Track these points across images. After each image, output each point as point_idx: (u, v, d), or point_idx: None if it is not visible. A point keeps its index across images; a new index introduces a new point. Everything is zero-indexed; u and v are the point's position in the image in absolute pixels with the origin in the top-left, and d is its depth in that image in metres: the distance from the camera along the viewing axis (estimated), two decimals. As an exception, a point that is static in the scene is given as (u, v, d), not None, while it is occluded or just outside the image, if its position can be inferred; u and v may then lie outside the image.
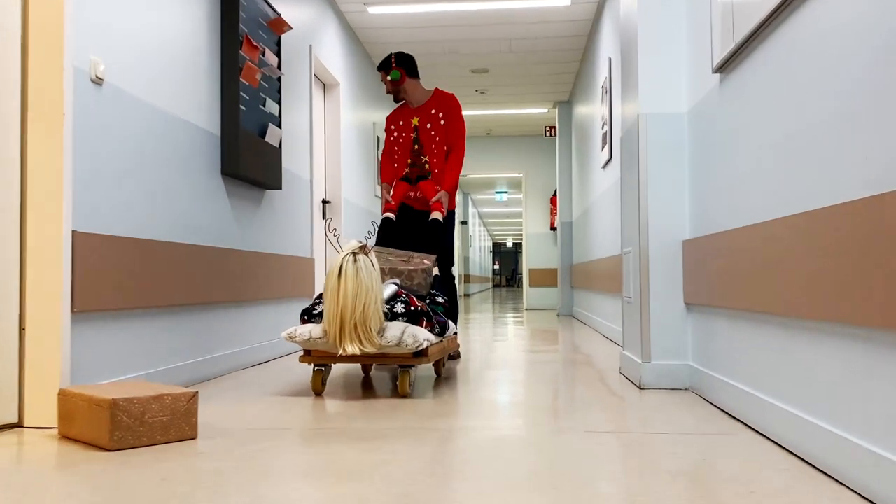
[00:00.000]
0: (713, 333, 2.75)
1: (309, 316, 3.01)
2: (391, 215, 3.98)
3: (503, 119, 10.32)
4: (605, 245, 5.95)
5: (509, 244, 48.36)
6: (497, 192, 20.46)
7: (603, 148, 5.89)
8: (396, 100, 3.96)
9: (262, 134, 4.03)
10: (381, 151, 4.40)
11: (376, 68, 4.45)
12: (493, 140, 11.33)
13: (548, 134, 9.36)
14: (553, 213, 10.85)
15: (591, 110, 7.06)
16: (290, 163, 4.72)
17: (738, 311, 2.46)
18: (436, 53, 7.47)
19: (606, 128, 5.71)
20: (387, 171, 4.06)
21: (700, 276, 2.83)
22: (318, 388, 2.91)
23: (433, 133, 3.88)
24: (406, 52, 4.50)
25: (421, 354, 2.86)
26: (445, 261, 3.91)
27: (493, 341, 5.49)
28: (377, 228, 4.20)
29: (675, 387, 3.06)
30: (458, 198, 19.06)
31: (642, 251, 3.13)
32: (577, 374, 3.58)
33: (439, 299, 3.39)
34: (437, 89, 3.97)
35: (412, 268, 3.31)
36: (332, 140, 6.08)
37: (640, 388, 3.09)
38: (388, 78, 3.88)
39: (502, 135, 11.33)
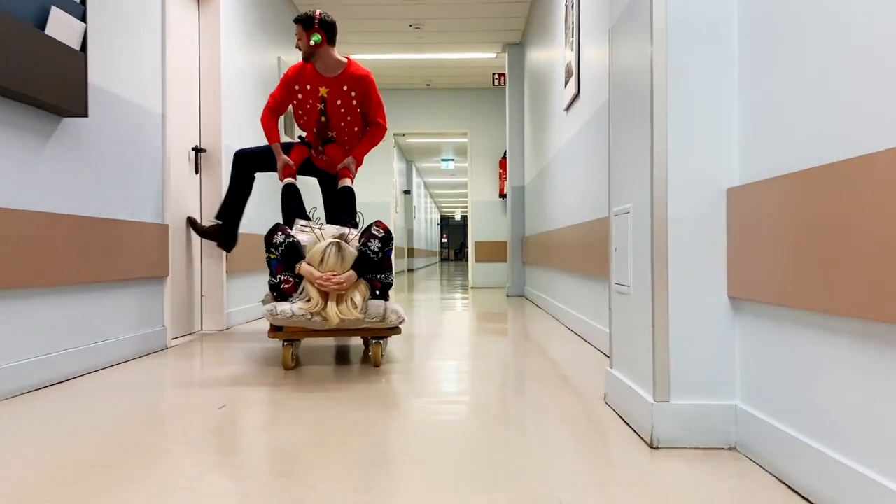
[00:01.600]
0: (784, 353, 1.44)
1: (279, 294, 2.93)
2: (293, 181, 3.59)
3: (445, 67, 8.88)
4: (569, 209, 4.62)
5: (458, 217, 47.15)
6: (443, 160, 19.06)
7: (567, 83, 4.54)
8: (306, 61, 3.57)
9: (41, 24, 2.54)
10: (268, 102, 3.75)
11: (293, 20, 3.97)
12: (434, 93, 9.90)
13: (496, 83, 7.98)
14: (503, 177, 9.51)
15: (549, 55, 5.69)
16: (116, 82, 3.23)
17: (839, 319, 1.22)
18: (358, -28, 6.01)
19: (573, 64, 4.35)
20: (274, 125, 3.66)
21: (759, 250, 1.53)
22: (288, 363, 2.96)
23: (343, 111, 3.62)
24: (330, 15, 3.70)
25: (395, 329, 3.00)
26: None
27: (430, 335, 4.14)
28: (284, 193, 3.63)
29: (714, 444, 1.76)
30: (402, 165, 17.65)
31: (656, 208, 1.79)
32: (539, 402, 2.24)
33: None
34: (349, 61, 3.61)
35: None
36: (210, 71, 4.57)
37: (650, 445, 1.77)
38: (310, 40, 3.50)
39: (444, 87, 9.89)
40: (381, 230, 3.01)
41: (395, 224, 16.62)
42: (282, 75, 4.81)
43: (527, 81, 7.57)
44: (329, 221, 3.74)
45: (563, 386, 2.57)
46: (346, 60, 3.65)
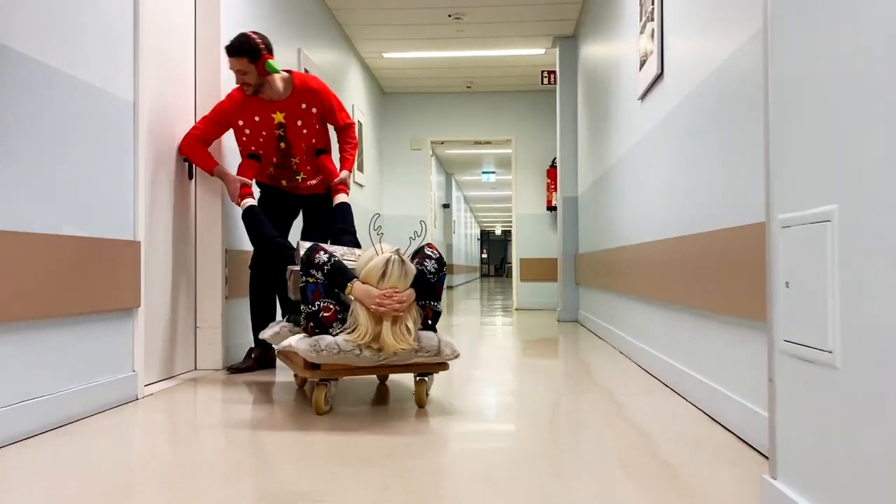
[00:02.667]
0: None
1: (316, 322, 2.49)
2: (254, 202, 3.36)
3: (487, 67, 8.05)
4: (647, 221, 3.71)
5: (498, 231, 46.27)
6: (484, 173, 18.24)
7: (644, 65, 3.66)
8: (256, 94, 3.31)
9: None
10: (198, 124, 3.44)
11: (225, 48, 3.38)
12: (475, 97, 9.07)
13: (546, 81, 7.12)
14: (551, 188, 8.61)
15: (611, 49, 4.82)
16: (62, 55, 2.44)
17: None
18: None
19: (653, 44, 3.48)
20: (205, 150, 3.37)
21: None
22: (320, 407, 2.52)
23: (305, 131, 3.37)
24: (254, 30, 3.48)
25: (442, 364, 2.66)
26: None
27: (471, 371, 3.26)
28: (244, 220, 3.41)
29: None
30: (441, 178, 16.88)
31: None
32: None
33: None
34: (292, 74, 3.36)
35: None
36: (207, 59, 3.80)
37: None
38: (264, 69, 3.27)
39: (486, 89, 9.06)
40: (435, 252, 2.70)
41: (434, 240, 15.87)
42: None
43: (581, 79, 6.68)
44: (332, 243, 3.37)
45: (674, 486, 1.67)
46: (288, 75, 3.36)
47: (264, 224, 3.30)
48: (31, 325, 2.28)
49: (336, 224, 3.41)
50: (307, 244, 2.84)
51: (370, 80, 8.35)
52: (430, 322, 2.64)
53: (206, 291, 3.75)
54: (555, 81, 7.14)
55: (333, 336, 2.47)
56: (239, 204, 3.35)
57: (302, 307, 2.58)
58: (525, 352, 4.53)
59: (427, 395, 2.70)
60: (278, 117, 3.31)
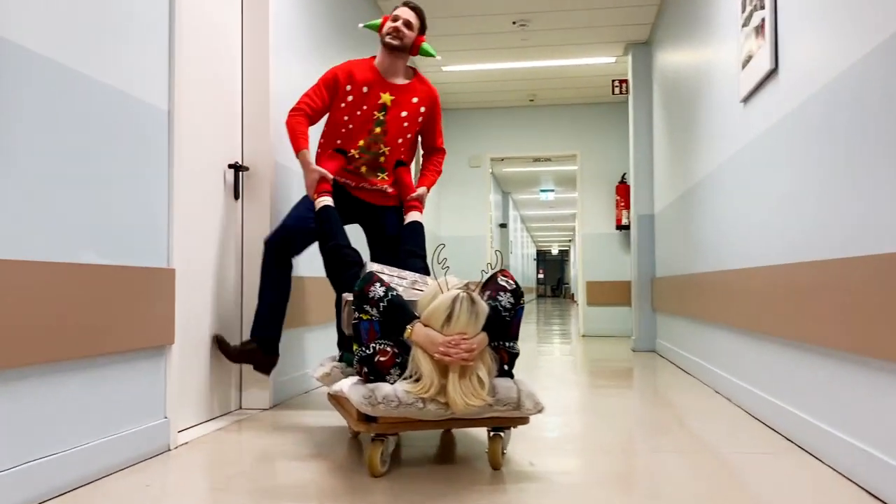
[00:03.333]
0: None
1: (371, 368, 2.10)
2: (331, 201, 2.84)
3: (552, 78, 7.60)
4: (754, 243, 3.19)
5: (555, 251, 45.54)
6: (542, 191, 17.74)
7: (747, 65, 3.16)
8: (387, 45, 3.02)
9: None
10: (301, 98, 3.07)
11: (403, 2, 3.15)
12: (538, 111, 8.62)
13: (618, 91, 6.63)
14: (621, 205, 8.08)
15: (700, 51, 4.32)
16: (92, 61, 2.10)
17: None
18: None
19: (761, 41, 2.99)
20: (304, 130, 2.97)
21: None
22: (376, 467, 2.10)
23: (406, 125, 3.05)
24: None
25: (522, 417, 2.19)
26: None
27: (542, 422, 2.77)
28: (316, 220, 2.88)
29: None
30: (498, 197, 16.47)
31: None
32: None
33: None
34: (417, 72, 3.13)
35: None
36: (256, 69, 3.45)
37: None
38: (422, 34, 3.07)
39: (550, 102, 8.60)
40: (510, 282, 2.25)
41: (491, 260, 15.42)
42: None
43: (657, 87, 6.17)
44: (393, 265, 2.79)
45: None
46: (413, 70, 3.16)
47: (338, 231, 2.81)
48: (41, 370, 1.91)
49: (405, 245, 2.96)
50: (374, 267, 2.48)
51: (428, 95, 7.98)
52: (506, 367, 2.23)
53: (252, 322, 3.37)
54: (627, 91, 6.65)
55: (392, 384, 2.09)
56: (314, 199, 2.91)
57: (355, 347, 2.21)
58: (605, 389, 4.02)
59: (504, 453, 2.26)
60: (385, 98, 3.02)
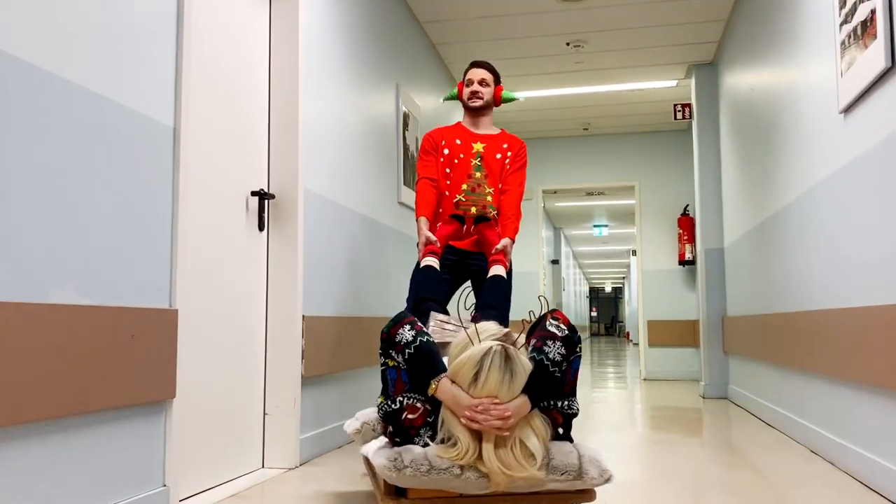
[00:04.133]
0: None
1: (397, 427, 1.76)
2: (435, 263, 2.81)
3: (608, 105, 7.18)
4: (871, 277, 2.68)
5: (608, 289, 44.55)
6: (595, 226, 17.20)
7: (847, 71, 2.69)
8: (468, 107, 3.20)
9: None
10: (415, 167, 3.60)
11: (474, 63, 3.27)
12: (593, 140, 8.19)
13: (680, 116, 6.17)
14: (684, 239, 7.54)
15: (778, 72, 3.86)
16: (84, 70, 1.78)
17: None
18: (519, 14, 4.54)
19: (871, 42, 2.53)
20: (428, 198, 3.07)
21: None
22: None
23: (499, 168, 3.17)
24: None
25: (586, 490, 1.78)
26: None
27: (612, 494, 2.30)
28: (418, 276, 2.78)
29: None
30: (549, 233, 16.02)
31: None
32: None
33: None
34: (503, 130, 3.28)
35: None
36: (284, 83, 3.13)
37: None
38: (501, 93, 3.22)
39: (606, 131, 8.17)
40: (562, 326, 1.86)
41: (550, 297, 14.90)
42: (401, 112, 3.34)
43: (725, 111, 5.70)
44: (478, 316, 2.50)
45: None
46: (500, 129, 3.32)
47: (423, 284, 2.71)
48: (10, 433, 1.55)
49: (483, 299, 2.73)
50: (440, 317, 2.20)
51: (477, 126, 7.64)
52: (560, 431, 1.85)
53: (278, 369, 2.99)
54: (691, 116, 6.19)
55: (422, 447, 1.75)
56: (420, 259, 2.89)
57: (380, 400, 1.88)
58: (672, 445, 3.50)
59: None
60: (478, 147, 3.20)
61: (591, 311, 42.43)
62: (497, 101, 3.24)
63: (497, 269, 2.85)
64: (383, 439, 1.92)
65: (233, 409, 2.73)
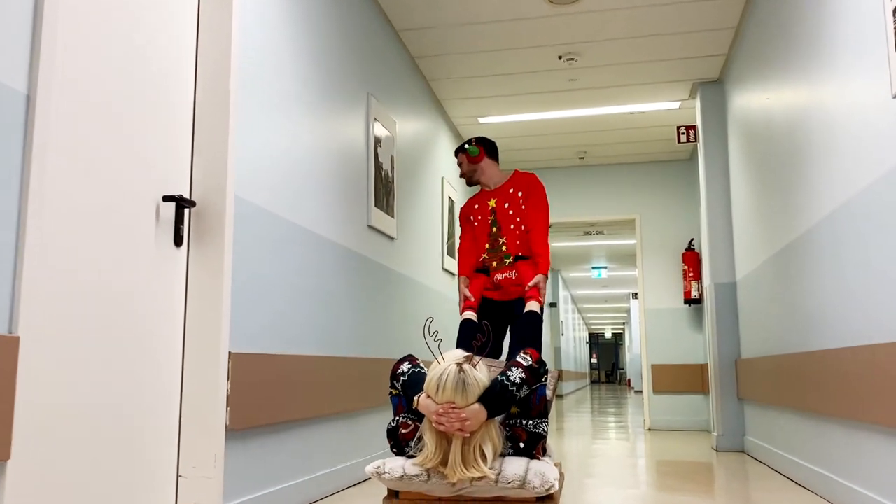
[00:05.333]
0: None
1: (396, 442, 2.25)
2: (472, 316, 3.25)
3: (605, 129, 6.70)
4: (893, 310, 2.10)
5: (608, 335, 43.78)
6: (594, 268, 16.64)
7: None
8: (470, 183, 3.53)
9: None
10: (458, 239, 3.81)
11: (454, 152, 3.90)
12: (589, 171, 7.68)
13: (685, 139, 5.66)
14: (689, 276, 6.97)
15: (799, 90, 3.36)
16: None
17: None
18: (507, 34, 4.08)
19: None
20: (466, 262, 3.45)
21: None
22: None
23: (511, 212, 3.41)
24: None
25: (546, 498, 2.15)
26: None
27: None
28: (459, 330, 3.19)
29: None
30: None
31: None
32: None
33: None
34: (516, 171, 3.47)
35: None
36: (213, 61, 2.59)
37: None
38: (465, 153, 3.47)
39: (603, 161, 7.67)
40: (528, 357, 2.24)
41: (546, 342, 14.23)
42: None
43: (734, 132, 5.19)
44: (509, 357, 2.80)
45: None
46: (511, 171, 3.73)
47: (462, 340, 3.14)
48: None
49: (516, 334, 3.08)
50: (476, 359, 2.29)
51: (465, 154, 7.15)
52: (521, 446, 2.22)
53: (195, 419, 2.39)
54: (696, 138, 5.68)
55: (405, 459, 2.20)
56: (461, 314, 3.28)
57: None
58: (698, 515, 2.87)
59: None
60: (491, 203, 3.46)
61: (591, 357, 41.59)
62: (475, 160, 3.45)
63: (531, 305, 3.08)
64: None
65: (132, 471, 2.12)
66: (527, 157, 7.41)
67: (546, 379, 2.23)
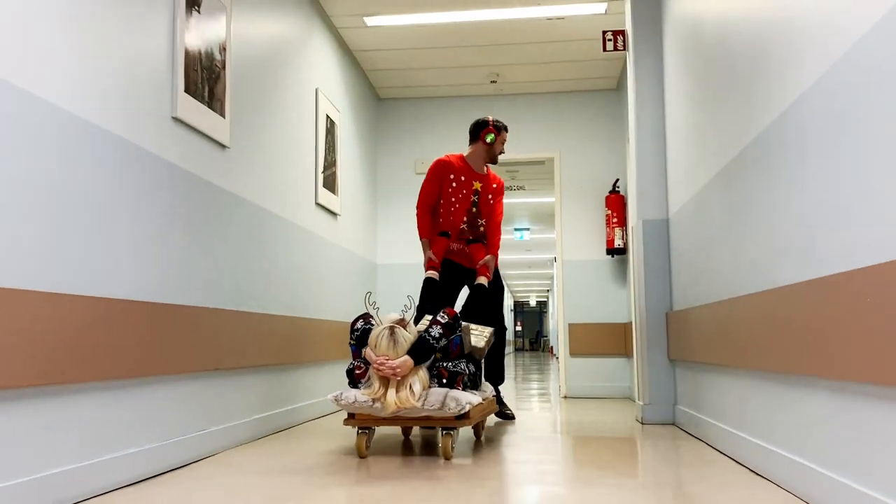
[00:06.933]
0: None
1: (351, 380, 3.06)
2: (434, 274, 3.98)
3: (518, 43, 5.66)
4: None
5: (532, 303, 43.56)
6: (516, 230, 15.78)
7: None
8: (494, 161, 4.23)
9: None
10: (418, 195, 4.50)
11: (503, 129, 4.27)
12: (503, 102, 6.65)
13: (610, 46, 4.65)
14: (613, 223, 6.06)
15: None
16: None
17: None
18: None
19: None
20: (427, 223, 4.09)
21: None
22: (362, 450, 2.98)
23: (491, 202, 4.18)
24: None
25: (463, 417, 2.93)
26: (500, 330, 4.21)
27: None
28: (423, 287, 3.96)
29: None
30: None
31: None
32: None
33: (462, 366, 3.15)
34: (488, 169, 4.25)
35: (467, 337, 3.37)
36: None
37: None
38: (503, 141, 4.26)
39: (519, 90, 6.66)
40: (446, 316, 3.04)
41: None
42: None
43: (671, 36, 4.22)
44: (464, 319, 3.77)
45: None
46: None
47: (428, 296, 3.90)
48: None
49: (467, 303, 3.92)
50: (428, 317, 3.38)
51: (357, 80, 6.01)
52: (444, 381, 3.00)
53: None
54: (625, 46, 4.70)
55: (356, 391, 2.95)
56: (425, 272, 3.99)
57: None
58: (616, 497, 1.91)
59: (452, 448, 2.90)
60: (476, 185, 4.10)
61: (515, 325, 41.29)
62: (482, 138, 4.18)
63: (480, 280, 3.98)
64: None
65: None
66: (431, 79, 6.31)
67: (459, 331, 3.06)
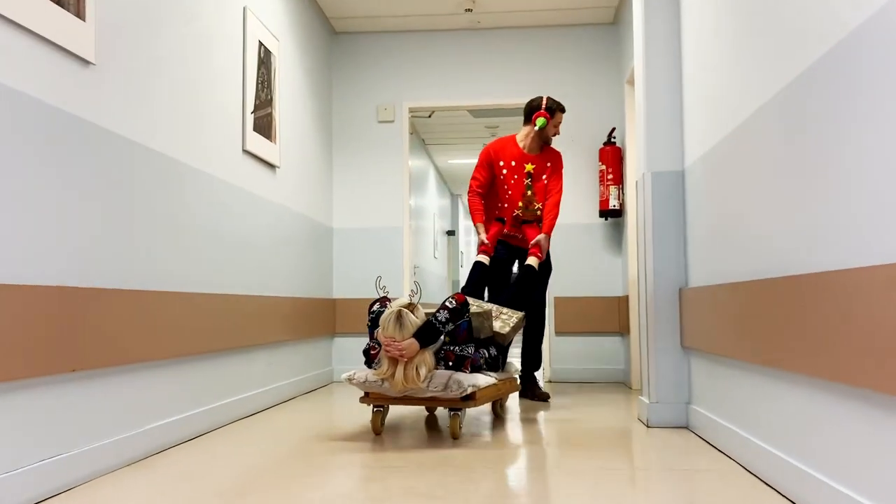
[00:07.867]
0: None
1: (367, 359, 3.21)
2: (483, 258, 4.06)
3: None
4: None
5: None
6: (497, 192, 14.85)
7: None
8: (546, 141, 4.22)
9: None
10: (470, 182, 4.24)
11: (556, 109, 4.22)
12: (481, 38, 5.71)
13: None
14: (607, 179, 5.19)
15: None
16: None
17: None
18: None
19: None
20: (480, 208, 4.19)
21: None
22: (377, 427, 3.16)
23: (544, 186, 4.19)
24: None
25: (469, 398, 3.05)
26: (539, 314, 4.33)
27: None
28: (471, 270, 4.08)
29: None
30: (445, 202, 13.70)
31: None
32: None
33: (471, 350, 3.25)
34: (546, 145, 4.26)
35: (493, 319, 3.54)
36: None
37: None
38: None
39: (499, 23, 5.72)
40: (454, 302, 3.12)
41: (434, 274, 12.40)
42: None
43: (688, -67, 3.30)
44: (503, 300, 3.92)
45: None
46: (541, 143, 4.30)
47: (472, 279, 4.05)
48: None
49: (513, 281, 4.09)
50: (472, 300, 3.55)
51: (305, 5, 5.04)
52: (450, 364, 3.12)
53: None
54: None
55: (368, 370, 3.11)
56: (477, 255, 4.12)
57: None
58: None
59: (460, 427, 3.06)
60: (529, 167, 4.15)
61: (496, 291, 40.46)
62: (533, 121, 4.20)
63: (531, 261, 4.05)
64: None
65: None
66: (394, 7, 5.35)
67: (467, 316, 3.18)
